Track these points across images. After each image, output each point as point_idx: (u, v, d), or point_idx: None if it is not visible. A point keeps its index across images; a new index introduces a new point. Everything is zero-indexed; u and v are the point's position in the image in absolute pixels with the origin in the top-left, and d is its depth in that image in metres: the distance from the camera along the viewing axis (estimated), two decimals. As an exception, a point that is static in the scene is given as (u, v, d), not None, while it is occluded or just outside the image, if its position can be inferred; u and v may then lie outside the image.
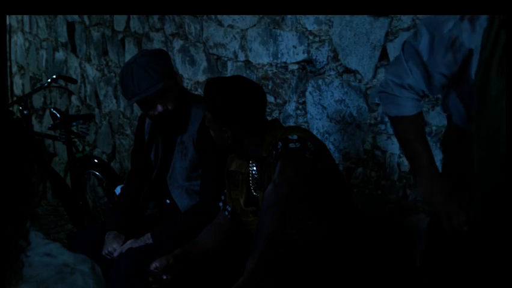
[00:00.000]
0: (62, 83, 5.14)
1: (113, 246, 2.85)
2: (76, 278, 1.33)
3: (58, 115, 4.43)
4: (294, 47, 3.32)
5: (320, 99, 3.22)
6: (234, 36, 3.73)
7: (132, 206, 3.03)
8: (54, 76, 4.72)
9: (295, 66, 3.34)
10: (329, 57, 3.15)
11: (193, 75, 4.11)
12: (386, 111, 2.25)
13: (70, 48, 5.74)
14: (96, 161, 4.51)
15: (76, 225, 4.59)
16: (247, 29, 3.63)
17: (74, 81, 4.83)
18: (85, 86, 5.56)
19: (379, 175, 2.99)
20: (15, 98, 6.67)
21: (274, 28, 3.44)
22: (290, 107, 3.40)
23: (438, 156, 2.46)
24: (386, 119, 2.91)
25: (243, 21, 3.63)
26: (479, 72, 1.95)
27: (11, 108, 5.79)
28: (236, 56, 3.72)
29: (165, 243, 2.74)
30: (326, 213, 2.52)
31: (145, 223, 3.01)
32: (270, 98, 3.51)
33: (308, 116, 3.29)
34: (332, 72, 3.14)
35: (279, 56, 3.43)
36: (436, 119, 2.71)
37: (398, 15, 2.80)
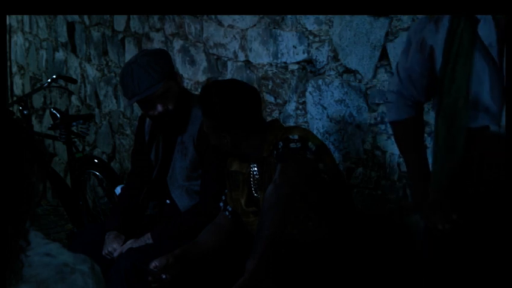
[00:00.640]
0: (62, 83, 5.14)
1: (113, 246, 2.85)
2: (75, 278, 1.33)
3: (58, 115, 4.43)
4: (294, 47, 3.32)
5: (320, 99, 3.22)
6: (234, 36, 3.73)
7: (132, 206, 3.03)
8: (54, 76, 4.72)
9: (295, 66, 3.34)
10: (329, 57, 3.15)
11: (193, 75, 4.11)
12: (386, 118, 2.38)
13: (70, 48, 5.74)
14: (96, 161, 4.51)
15: (76, 225, 4.59)
16: (247, 29, 3.63)
17: (74, 81, 4.83)
18: (85, 86, 5.56)
19: (379, 175, 2.99)
20: (15, 98, 6.67)
21: (274, 28, 3.44)
22: (290, 107, 3.40)
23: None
24: (386, 119, 2.91)
25: (243, 21, 3.63)
26: (446, 67, 2.09)
27: (11, 108, 5.79)
28: (236, 56, 3.72)
29: (165, 243, 2.74)
30: (326, 214, 2.52)
31: (145, 223, 3.01)
32: (270, 98, 3.51)
33: (308, 116, 3.29)
34: (332, 72, 3.14)
35: (279, 56, 3.43)
36: (436, 119, 2.71)
37: (398, 15, 2.80)
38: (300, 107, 3.34)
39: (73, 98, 5.81)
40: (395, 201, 2.93)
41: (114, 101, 5.14)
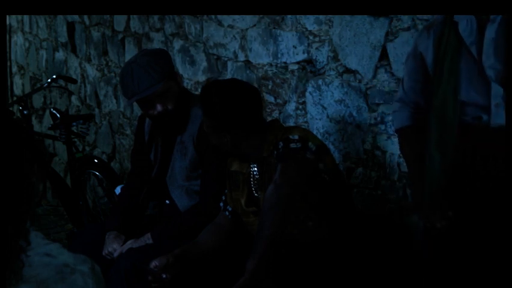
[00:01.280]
0: (62, 83, 5.14)
1: (113, 247, 2.85)
2: (75, 278, 1.33)
3: (58, 115, 4.43)
4: (294, 47, 3.32)
5: (320, 99, 3.22)
6: (234, 36, 3.73)
7: (132, 206, 3.03)
8: (54, 76, 4.72)
9: (295, 66, 3.34)
10: (329, 57, 3.15)
11: (193, 75, 4.11)
12: (393, 127, 2.56)
13: (70, 48, 5.74)
14: (96, 161, 4.51)
15: (76, 225, 4.59)
16: (247, 29, 3.63)
17: (74, 81, 4.83)
18: (85, 86, 5.56)
19: (379, 175, 2.99)
20: (15, 98, 6.67)
21: (274, 28, 3.44)
22: (290, 107, 3.40)
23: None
24: (386, 119, 2.91)
25: (243, 21, 3.63)
26: (435, 70, 2.20)
27: (11, 108, 5.79)
28: (236, 56, 3.72)
29: (165, 243, 2.74)
30: (326, 214, 2.52)
31: (145, 223, 3.00)
32: (270, 98, 3.51)
33: (308, 116, 3.29)
34: (332, 72, 3.14)
35: (279, 56, 3.43)
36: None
37: (398, 15, 2.80)
38: (300, 107, 3.34)
39: (73, 98, 5.81)
40: (395, 201, 2.93)
41: (114, 101, 5.14)
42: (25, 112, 4.61)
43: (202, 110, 2.60)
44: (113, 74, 5.11)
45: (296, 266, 2.46)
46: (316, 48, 3.20)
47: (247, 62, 3.65)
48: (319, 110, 3.23)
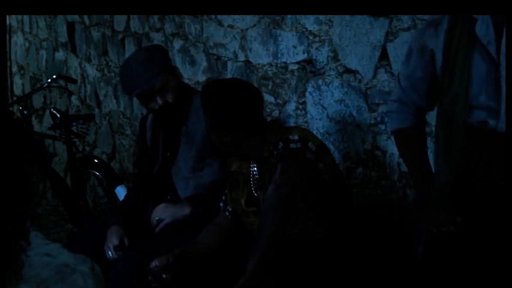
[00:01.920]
0: (62, 83, 5.14)
1: (112, 241, 2.83)
2: (75, 278, 1.33)
3: (58, 115, 4.43)
4: (294, 47, 3.32)
5: (320, 99, 3.22)
6: (234, 36, 3.73)
7: (132, 206, 3.03)
8: (54, 76, 4.72)
9: (295, 66, 3.34)
10: (329, 57, 3.15)
11: (193, 75, 4.11)
12: (389, 128, 2.47)
13: (70, 48, 5.74)
14: (96, 161, 4.51)
15: (76, 225, 4.59)
16: (247, 29, 3.63)
17: (74, 81, 4.83)
18: (85, 86, 5.57)
19: (379, 175, 2.99)
20: (15, 98, 6.67)
21: (274, 28, 3.44)
22: (290, 107, 3.40)
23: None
24: (386, 119, 2.91)
25: (243, 21, 3.63)
26: (446, 69, 2.12)
27: (11, 108, 5.79)
28: (236, 56, 3.73)
29: (165, 243, 2.74)
30: (326, 214, 2.52)
31: (146, 222, 2.99)
32: (270, 98, 3.51)
33: (308, 116, 3.29)
34: (332, 72, 3.14)
35: (279, 56, 3.43)
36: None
37: (398, 15, 2.80)
38: (300, 107, 3.34)
39: (73, 98, 5.81)
40: (395, 201, 2.93)
41: (114, 101, 5.14)
42: (25, 112, 4.61)
43: (202, 109, 2.61)
44: (113, 74, 5.11)
45: (296, 266, 2.46)
46: (317, 48, 3.20)
47: (247, 62, 3.65)
48: (319, 110, 3.23)
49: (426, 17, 2.66)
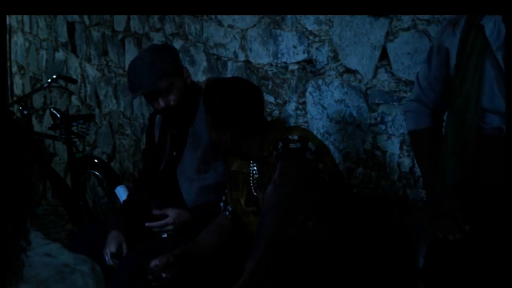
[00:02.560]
0: (62, 83, 5.15)
1: (110, 248, 2.83)
2: (75, 278, 1.33)
3: (58, 115, 4.43)
4: (294, 47, 3.32)
5: (320, 99, 3.22)
6: (234, 36, 3.73)
7: (133, 207, 3.02)
8: (54, 76, 4.72)
9: (295, 66, 3.34)
10: (329, 57, 3.15)
11: (193, 75, 4.09)
12: (406, 128, 2.46)
13: (70, 48, 5.74)
14: (96, 161, 4.51)
15: (76, 225, 4.59)
16: (247, 29, 3.63)
17: (74, 82, 4.83)
18: (85, 86, 5.57)
19: (379, 175, 2.99)
20: (15, 98, 6.67)
21: (274, 28, 3.44)
22: (290, 107, 3.40)
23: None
24: (386, 119, 2.91)
25: (243, 21, 3.63)
26: (459, 69, 2.11)
27: (11, 108, 5.79)
28: (236, 56, 3.72)
29: (165, 243, 2.74)
30: (326, 214, 2.52)
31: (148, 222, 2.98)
32: (270, 98, 3.51)
33: (308, 116, 3.29)
34: (332, 72, 3.14)
35: (279, 56, 3.43)
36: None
37: (398, 15, 2.80)
38: (300, 107, 3.34)
39: (73, 98, 5.81)
40: (395, 201, 2.93)
41: (114, 101, 5.14)
42: (25, 112, 4.61)
43: (204, 108, 2.61)
44: (113, 74, 5.11)
45: (296, 266, 2.46)
46: (317, 48, 3.20)
47: (247, 62, 3.65)
48: (319, 110, 3.23)
49: (426, 17, 2.67)
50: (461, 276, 2.14)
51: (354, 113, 3.05)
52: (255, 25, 3.57)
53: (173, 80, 2.83)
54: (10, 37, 7.00)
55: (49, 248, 1.36)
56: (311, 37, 3.23)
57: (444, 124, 2.28)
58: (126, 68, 4.82)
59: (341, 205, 2.56)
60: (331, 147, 3.13)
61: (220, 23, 3.82)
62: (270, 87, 3.52)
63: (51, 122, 4.53)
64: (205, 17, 3.93)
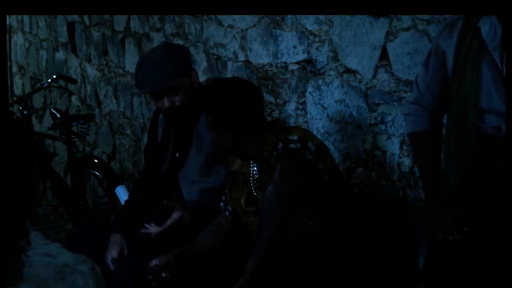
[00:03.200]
0: (62, 83, 5.15)
1: (112, 254, 2.83)
2: (75, 278, 1.33)
3: (58, 115, 4.43)
4: (294, 47, 3.32)
5: (320, 99, 3.22)
6: (234, 36, 3.73)
7: (135, 206, 3.02)
8: (54, 76, 4.72)
9: (295, 66, 3.34)
10: (329, 57, 3.15)
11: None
12: (405, 131, 2.47)
13: (70, 48, 5.74)
14: (96, 161, 4.51)
15: (76, 225, 4.59)
16: (247, 29, 3.63)
17: (74, 82, 4.83)
18: (85, 86, 5.57)
19: (379, 175, 2.99)
20: (15, 98, 6.67)
21: (274, 28, 3.44)
22: (290, 107, 3.40)
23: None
24: (386, 119, 2.91)
25: (243, 21, 3.63)
26: (456, 71, 2.12)
27: (11, 108, 5.79)
28: (236, 56, 3.73)
29: (165, 243, 2.73)
30: (326, 214, 2.52)
31: (150, 222, 2.98)
32: (270, 98, 3.51)
33: (308, 116, 3.29)
34: (332, 72, 3.14)
35: (279, 56, 3.43)
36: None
37: (398, 15, 2.80)
38: (300, 107, 3.34)
39: (73, 98, 5.81)
40: (395, 201, 2.93)
41: (114, 101, 5.14)
42: (25, 112, 4.61)
43: (204, 108, 2.60)
44: (113, 74, 5.11)
45: (296, 266, 2.46)
46: (317, 48, 3.21)
47: (247, 62, 3.65)
48: (319, 110, 3.23)
49: (426, 17, 2.67)
50: (461, 276, 2.14)
51: (354, 113, 3.05)
52: (255, 25, 3.57)
53: (181, 81, 2.82)
54: (10, 37, 7.00)
55: (49, 248, 1.36)
56: (311, 37, 3.23)
57: (444, 126, 2.28)
58: (126, 68, 4.83)
59: (341, 205, 2.56)
60: (331, 147, 3.13)
61: (220, 23, 3.82)
62: (270, 87, 3.52)
63: (51, 122, 4.53)
64: (205, 17, 3.93)
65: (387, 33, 2.86)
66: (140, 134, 4.78)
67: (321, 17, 3.15)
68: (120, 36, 4.90)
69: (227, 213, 2.72)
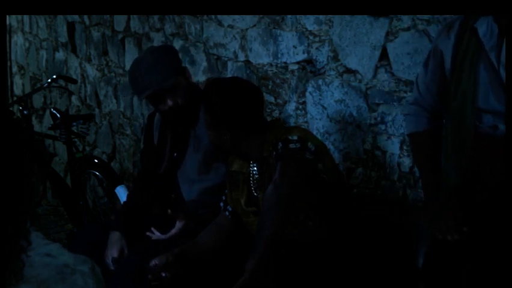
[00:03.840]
0: (62, 83, 5.15)
1: (112, 254, 2.82)
2: (76, 279, 1.33)
3: (58, 115, 4.43)
4: (294, 47, 3.32)
5: (320, 99, 3.22)
6: (234, 36, 3.73)
7: (134, 206, 3.02)
8: (54, 76, 4.72)
9: (295, 66, 3.34)
10: (329, 57, 3.15)
11: (193, 75, 4.10)
12: (405, 131, 2.50)
13: (70, 48, 5.74)
14: (96, 161, 4.51)
15: (76, 225, 4.59)
16: (247, 29, 3.63)
17: (74, 82, 4.83)
18: (85, 86, 5.57)
19: (379, 175, 2.99)
20: (15, 98, 6.67)
21: (274, 28, 3.44)
22: (290, 107, 3.40)
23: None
24: (386, 119, 2.91)
25: (243, 21, 3.63)
26: (454, 71, 2.14)
27: (11, 108, 5.79)
28: (236, 56, 3.73)
29: (165, 243, 2.74)
30: (326, 214, 2.52)
31: (150, 223, 2.98)
32: (270, 98, 3.51)
33: (308, 116, 3.29)
34: (332, 72, 3.14)
35: (279, 56, 3.43)
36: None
37: (398, 15, 2.80)
38: (300, 107, 3.34)
39: (73, 98, 5.81)
40: (395, 201, 2.93)
41: (114, 101, 5.14)
42: (25, 112, 4.61)
43: (204, 108, 2.60)
44: (113, 74, 5.11)
45: (296, 266, 2.46)
46: (317, 48, 3.21)
47: (247, 62, 3.65)
48: (319, 110, 3.23)
49: (426, 17, 2.67)
50: (460, 276, 2.14)
51: (354, 113, 3.05)
52: (255, 25, 3.57)
53: (179, 79, 2.83)
54: (10, 37, 7.00)
55: (49, 248, 1.36)
56: (311, 37, 3.23)
57: (443, 126, 2.29)
58: (126, 68, 4.83)
59: (341, 205, 2.56)
60: (331, 147, 3.13)
61: (220, 23, 3.82)
62: (270, 87, 3.52)
63: (51, 122, 4.53)
64: (205, 17, 3.93)
65: (387, 33, 2.86)
66: (140, 134, 4.78)
67: (321, 17, 3.15)
68: (120, 36, 4.90)
69: (227, 213, 2.72)
